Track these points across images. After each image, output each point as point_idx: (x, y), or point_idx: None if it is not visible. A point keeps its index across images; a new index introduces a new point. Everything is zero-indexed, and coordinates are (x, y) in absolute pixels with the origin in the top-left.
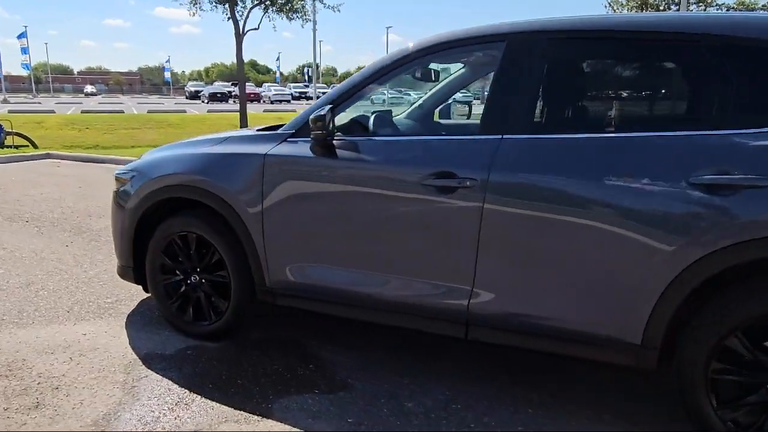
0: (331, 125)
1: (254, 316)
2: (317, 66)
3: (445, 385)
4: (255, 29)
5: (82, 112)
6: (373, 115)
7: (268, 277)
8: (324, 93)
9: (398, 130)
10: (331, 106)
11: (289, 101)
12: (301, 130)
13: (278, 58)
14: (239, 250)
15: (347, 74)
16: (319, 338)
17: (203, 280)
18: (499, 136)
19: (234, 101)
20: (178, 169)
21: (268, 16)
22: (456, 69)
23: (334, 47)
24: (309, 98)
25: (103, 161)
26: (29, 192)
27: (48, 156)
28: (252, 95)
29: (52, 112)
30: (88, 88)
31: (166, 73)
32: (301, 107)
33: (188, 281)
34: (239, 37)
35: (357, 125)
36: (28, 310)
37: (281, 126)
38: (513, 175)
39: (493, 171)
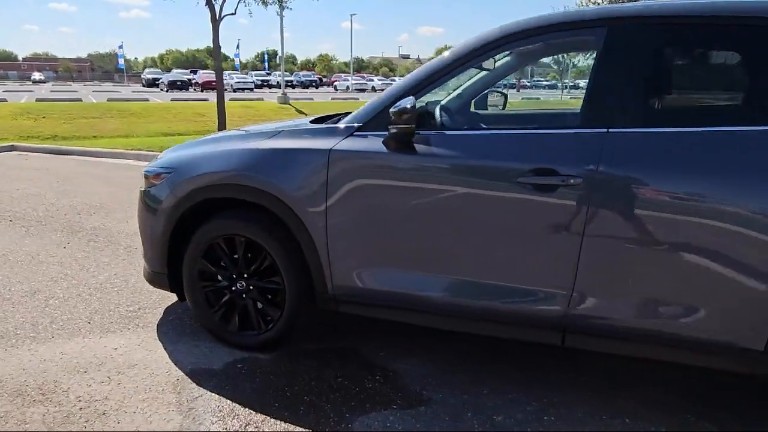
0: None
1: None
2: (278, 53)
3: (527, 393)
4: (232, 14)
5: (37, 100)
6: (440, 106)
7: (331, 283)
8: (288, 81)
9: (472, 121)
10: (413, 97)
11: (251, 89)
12: (369, 123)
13: (238, 46)
14: (296, 255)
15: (307, 61)
16: (376, 346)
17: (251, 287)
18: (605, 129)
19: (194, 89)
20: (225, 166)
21: (245, 2)
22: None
23: (293, 34)
24: (271, 86)
25: (72, 153)
26: (3, 188)
27: (13, 148)
28: (214, 83)
29: (4, 100)
30: (36, 75)
31: (119, 59)
32: (265, 95)
33: (233, 288)
34: (215, 22)
35: (424, 117)
36: (42, 322)
37: (336, 118)
38: (624, 172)
39: (602, 167)
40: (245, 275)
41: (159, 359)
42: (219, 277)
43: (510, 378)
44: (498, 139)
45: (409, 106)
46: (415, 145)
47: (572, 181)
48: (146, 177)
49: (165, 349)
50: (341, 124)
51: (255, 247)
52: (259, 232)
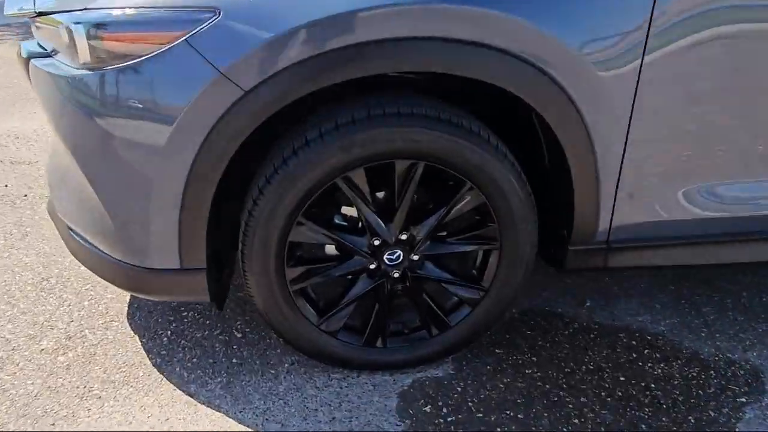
0: None
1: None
2: None
3: None
4: None
5: None
6: None
7: (610, 221)
8: None
9: None
10: None
11: None
12: None
13: None
14: (529, 182)
15: None
16: (571, 299)
17: (418, 258)
18: None
19: None
20: None
21: None
22: None
23: None
24: None
25: None
26: None
27: None
28: None
29: None
30: None
31: None
32: None
33: (377, 267)
34: None
35: None
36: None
37: None
38: None
39: None
40: (412, 237)
41: None
42: (335, 252)
43: None
44: None
45: None
46: None
47: None
48: (98, 38)
49: (269, 418)
50: None
51: (434, 181)
52: (466, 143)
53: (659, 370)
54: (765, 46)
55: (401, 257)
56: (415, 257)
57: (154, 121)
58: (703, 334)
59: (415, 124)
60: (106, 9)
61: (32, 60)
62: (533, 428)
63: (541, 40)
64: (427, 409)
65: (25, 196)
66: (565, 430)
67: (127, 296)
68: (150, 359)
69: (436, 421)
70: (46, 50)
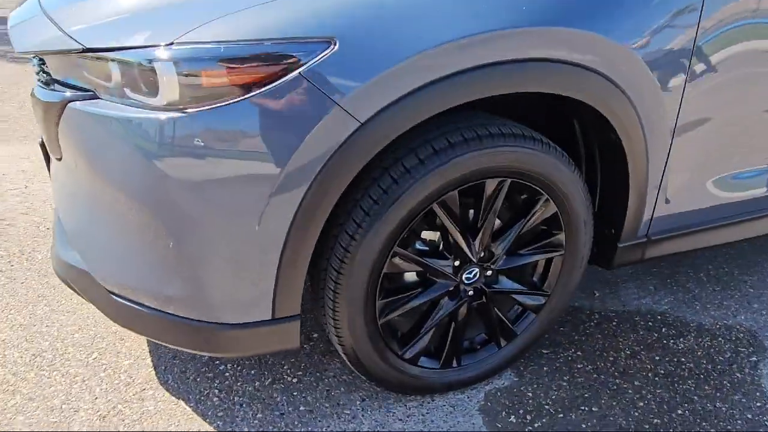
0: None
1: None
2: None
3: None
4: None
5: None
6: None
7: (651, 215)
8: None
9: None
10: None
11: None
12: None
13: None
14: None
15: None
16: (579, 295)
17: (491, 273)
18: None
19: None
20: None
21: None
22: None
23: None
24: None
25: None
26: None
27: None
28: None
29: None
30: None
31: None
32: None
33: (458, 287)
34: None
35: None
36: None
37: None
38: None
39: None
40: (490, 253)
41: None
42: (418, 278)
43: None
44: None
45: None
46: None
47: None
48: (193, 76)
49: None
50: None
51: (515, 196)
52: (550, 158)
53: (681, 345)
54: None
55: (477, 274)
56: (489, 272)
57: (262, 160)
58: (697, 307)
59: (508, 144)
60: (205, 43)
61: (71, 104)
62: (610, 418)
63: (618, 54)
64: (512, 419)
65: None
66: (636, 413)
67: (147, 358)
68: (209, 424)
69: (527, 430)
70: (80, 90)
